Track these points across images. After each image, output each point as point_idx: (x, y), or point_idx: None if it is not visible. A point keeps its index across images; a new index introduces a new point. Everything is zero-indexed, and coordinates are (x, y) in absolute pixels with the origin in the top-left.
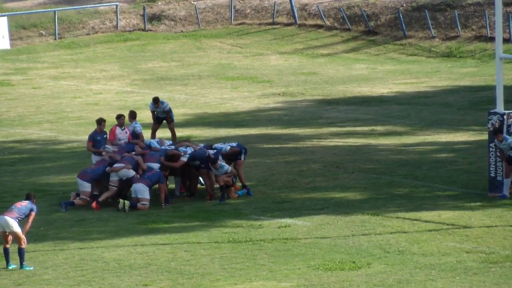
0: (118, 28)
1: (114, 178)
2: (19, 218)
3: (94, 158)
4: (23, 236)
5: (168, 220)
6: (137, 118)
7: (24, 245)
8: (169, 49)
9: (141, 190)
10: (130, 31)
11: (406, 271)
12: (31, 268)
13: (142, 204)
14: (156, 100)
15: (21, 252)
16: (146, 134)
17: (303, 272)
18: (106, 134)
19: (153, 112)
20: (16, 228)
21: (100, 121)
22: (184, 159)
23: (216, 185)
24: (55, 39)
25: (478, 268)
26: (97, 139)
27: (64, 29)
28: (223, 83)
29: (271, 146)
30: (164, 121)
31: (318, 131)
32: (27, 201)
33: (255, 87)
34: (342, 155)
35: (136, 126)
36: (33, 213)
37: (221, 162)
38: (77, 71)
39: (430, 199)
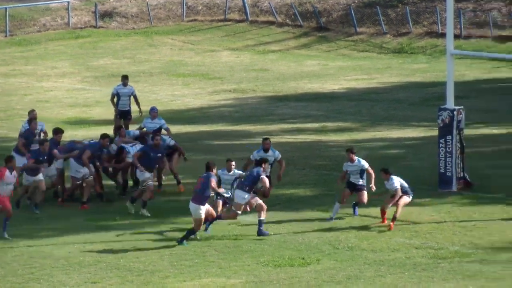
0: (70, 25)
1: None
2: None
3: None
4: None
5: (118, 218)
6: (88, 115)
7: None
8: (121, 46)
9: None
10: (81, 28)
11: (355, 267)
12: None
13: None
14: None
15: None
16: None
17: (252, 269)
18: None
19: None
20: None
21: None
22: (129, 159)
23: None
24: (6, 36)
25: (427, 264)
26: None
27: (15, 26)
28: (174, 80)
29: (222, 142)
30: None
31: (269, 127)
32: (206, 173)
33: (206, 83)
34: (293, 151)
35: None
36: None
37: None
38: (28, 68)
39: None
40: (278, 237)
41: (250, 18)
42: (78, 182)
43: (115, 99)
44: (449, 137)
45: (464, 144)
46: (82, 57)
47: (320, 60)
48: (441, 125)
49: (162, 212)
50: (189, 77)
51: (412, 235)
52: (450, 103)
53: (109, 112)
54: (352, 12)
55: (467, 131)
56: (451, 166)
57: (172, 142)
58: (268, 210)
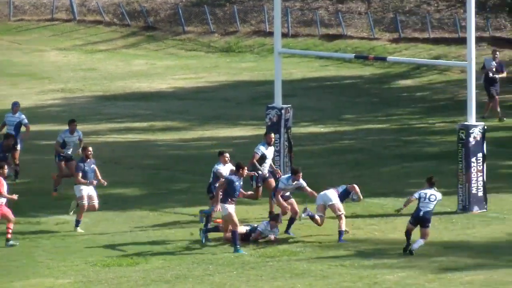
0: None
1: None
2: None
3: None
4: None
5: None
6: None
7: None
8: None
9: None
10: None
11: (183, 266)
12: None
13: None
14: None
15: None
16: None
17: (81, 269)
18: None
19: None
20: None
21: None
22: None
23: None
24: None
25: (256, 263)
26: None
27: None
28: (1, 80)
29: (50, 142)
30: None
31: (97, 127)
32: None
33: (34, 83)
34: (120, 151)
35: None
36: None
37: None
38: None
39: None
40: (107, 237)
41: (77, 18)
42: None
43: None
44: (277, 136)
45: (292, 143)
46: None
47: (148, 59)
48: (269, 123)
49: None
50: (16, 77)
51: None
52: (278, 101)
53: None
54: (180, 11)
55: (295, 130)
56: (280, 164)
57: None
58: (96, 210)
